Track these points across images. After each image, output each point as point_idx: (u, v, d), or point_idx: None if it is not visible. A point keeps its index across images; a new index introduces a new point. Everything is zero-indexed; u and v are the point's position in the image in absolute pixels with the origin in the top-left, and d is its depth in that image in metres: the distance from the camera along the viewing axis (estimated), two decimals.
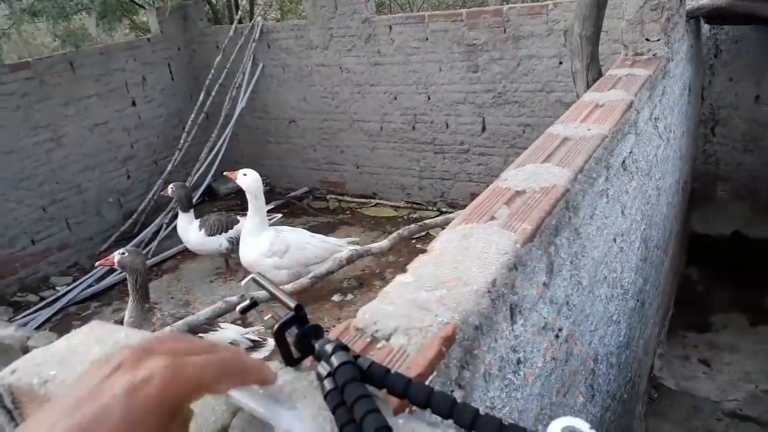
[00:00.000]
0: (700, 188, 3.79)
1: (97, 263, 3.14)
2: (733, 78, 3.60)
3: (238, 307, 0.74)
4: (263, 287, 0.72)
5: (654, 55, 2.23)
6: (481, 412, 0.60)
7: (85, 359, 0.78)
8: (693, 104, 3.21)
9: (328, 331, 0.72)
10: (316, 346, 0.66)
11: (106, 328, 0.86)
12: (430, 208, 5.15)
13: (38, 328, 3.97)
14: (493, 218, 1.02)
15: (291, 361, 0.69)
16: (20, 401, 0.80)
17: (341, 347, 0.65)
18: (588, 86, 2.29)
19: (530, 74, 4.30)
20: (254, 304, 0.78)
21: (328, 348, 0.64)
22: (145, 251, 4.75)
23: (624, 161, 1.54)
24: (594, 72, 2.43)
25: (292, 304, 0.68)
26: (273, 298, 0.71)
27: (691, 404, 2.67)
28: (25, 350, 1.03)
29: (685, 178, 3.18)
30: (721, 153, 3.76)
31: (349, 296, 3.91)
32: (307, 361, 0.70)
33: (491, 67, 4.42)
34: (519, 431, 0.58)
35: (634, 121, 1.63)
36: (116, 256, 2.84)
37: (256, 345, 2.80)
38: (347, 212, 5.41)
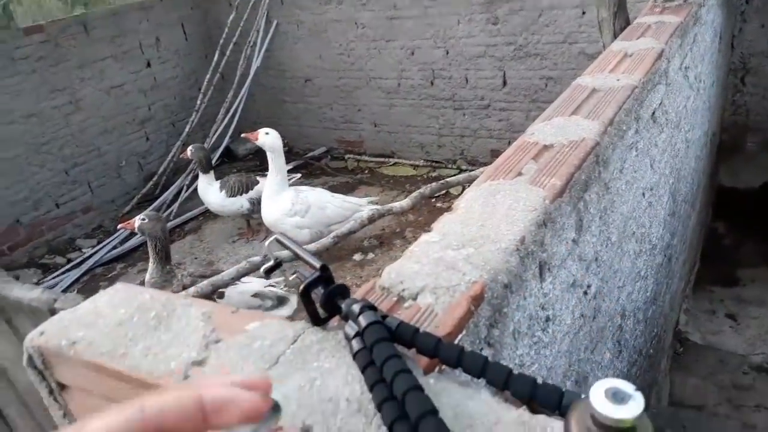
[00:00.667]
0: (728, 140, 3.68)
1: (119, 226, 3.17)
2: (766, 24, 3.44)
3: (263, 268, 0.73)
4: (287, 247, 0.71)
5: (684, 0, 2.13)
6: (514, 371, 0.59)
7: (110, 321, 0.78)
8: (723, 53, 3.08)
9: (353, 291, 0.71)
10: (343, 306, 0.65)
11: (130, 289, 0.86)
12: (450, 166, 5.09)
13: (66, 289, 4.06)
14: (520, 174, 0.98)
15: (318, 321, 0.68)
16: (50, 362, 0.81)
17: (369, 307, 0.63)
18: (615, 36, 2.20)
19: (552, 25, 4.16)
20: (278, 264, 0.76)
21: (356, 308, 0.62)
22: (166, 213, 4.79)
23: (654, 113, 1.48)
24: (621, 20, 2.34)
25: (317, 264, 0.66)
26: (297, 258, 0.70)
27: (717, 358, 2.65)
28: (53, 312, 1.04)
29: (713, 129, 3.09)
30: (752, 103, 3.63)
31: (370, 255, 3.91)
32: (334, 321, 0.70)
33: (512, 18, 4.28)
34: (553, 390, 0.57)
35: (665, 70, 1.57)
36: (137, 221, 2.85)
37: (280, 301, 2.83)
38: (366, 172, 5.38)
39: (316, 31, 5.23)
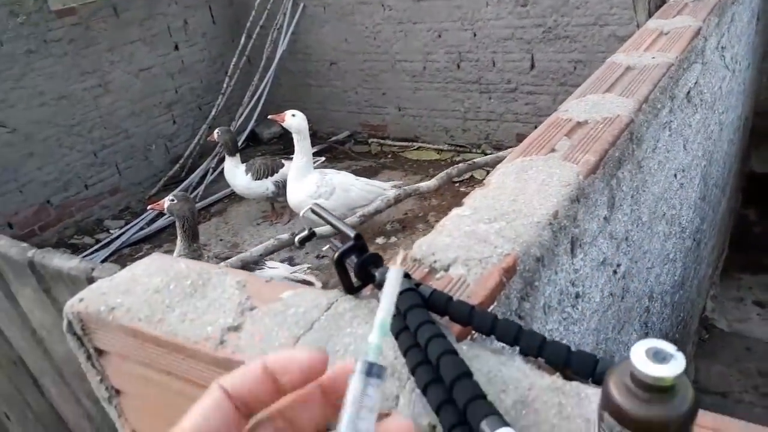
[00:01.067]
0: (761, 125, 3.59)
1: (149, 207, 3.22)
2: None
3: (297, 237, 0.74)
4: (322, 217, 0.72)
5: None
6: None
7: (147, 288, 0.80)
8: (760, 34, 3.00)
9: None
10: (377, 274, 0.66)
11: (165, 259, 0.88)
12: (474, 150, 5.06)
13: None
14: (553, 150, 0.98)
15: (351, 290, 0.69)
16: (89, 327, 0.83)
17: (402, 274, 0.64)
18: (650, 14, 2.16)
19: (582, 7, 4.09)
20: (312, 234, 0.77)
21: None
22: (192, 195, 4.85)
23: (689, 92, 1.45)
24: None
25: (352, 233, 0.67)
26: (332, 227, 0.71)
27: (743, 346, 2.62)
28: (91, 281, 1.07)
29: (746, 113, 3.02)
30: None
31: (393, 239, 3.92)
32: (367, 290, 0.70)
33: (541, 0, 4.21)
34: (587, 357, 0.57)
35: (702, 49, 1.53)
36: (166, 201, 2.89)
37: (305, 285, 2.85)
38: (389, 156, 5.37)
39: (342, 14, 5.21)
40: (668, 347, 0.39)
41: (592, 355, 0.56)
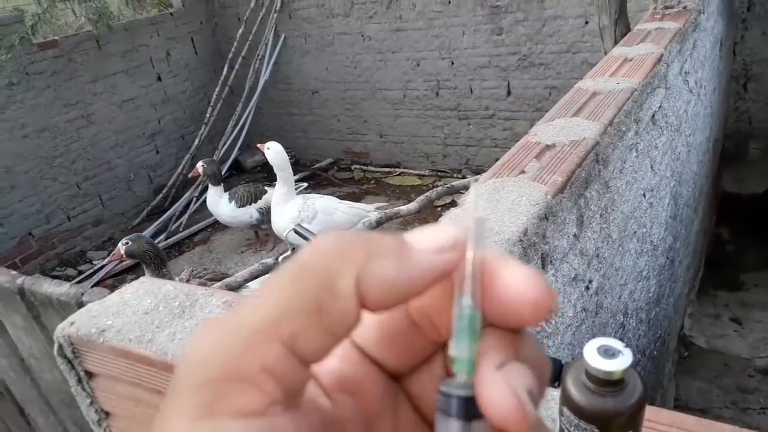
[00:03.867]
0: (731, 146, 3.71)
1: (106, 261, 3.12)
2: (767, 32, 3.49)
3: (281, 257, 0.78)
4: (304, 237, 0.75)
5: (684, 7, 2.18)
6: None
7: (137, 310, 0.83)
8: (725, 59, 3.13)
9: None
10: None
11: (154, 282, 0.91)
12: (455, 175, 5.14)
13: None
14: (523, 172, 1.03)
15: None
16: (79, 350, 0.85)
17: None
18: (616, 42, 2.26)
19: (556, 35, 4.23)
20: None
21: None
22: (176, 224, 4.86)
23: (653, 115, 1.53)
24: (622, 27, 2.39)
25: None
26: None
27: (721, 362, 2.67)
28: (80, 305, 1.09)
29: (716, 135, 3.13)
30: (754, 110, 3.67)
31: None
32: None
33: (516, 29, 4.35)
34: (552, 362, 0.61)
35: (664, 74, 1.61)
36: (122, 248, 2.78)
37: None
38: (372, 182, 5.44)
39: (323, 44, 5.32)
40: (617, 344, 0.44)
41: (557, 359, 0.60)
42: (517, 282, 0.20)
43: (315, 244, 0.21)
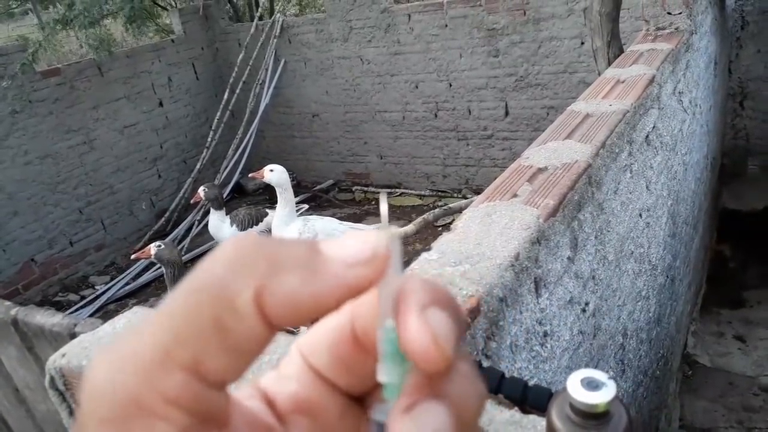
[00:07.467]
0: (730, 164, 3.72)
1: (132, 256, 3.22)
2: (762, 50, 3.52)
3: None
4: None
5: (676, 28, 2.20)
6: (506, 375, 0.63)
7: None
8: (720, 78, 3.15)
9: None
10: None
11: (147, 312, 0.91)
12: (456, 195, 5.15)
13: None
14: (515, 195, 1.03)
15: None
16: (71, 383, 0.85)
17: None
18: (609, 63, 2.28)
19: (552, 56, 4.27)
20: None
21: None
22: (179, 248, 4.86)
23: (647, 136, 1.53)
24: (615, 49, 2.41)
25: None
26: None
27: (726, 380, 2.64)
28: (73, 336, 1.09)
29: (713, 153, 3.13)
30: (751, 127, 3.69)
31: None
32: None
33: (512, 50, 4.39)
34: (542, 391, 0.61)
35: (657, 95, 1.62)
36: (153, 248, 2.89)
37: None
38: (373, 203, 5.44)
39: (322, 68, 5.37)
40: (600, 376, 0.44)
41: (547, 388, 0.60)
42: (411, 331, 0.19)
43: (212, 255, 0.19)
